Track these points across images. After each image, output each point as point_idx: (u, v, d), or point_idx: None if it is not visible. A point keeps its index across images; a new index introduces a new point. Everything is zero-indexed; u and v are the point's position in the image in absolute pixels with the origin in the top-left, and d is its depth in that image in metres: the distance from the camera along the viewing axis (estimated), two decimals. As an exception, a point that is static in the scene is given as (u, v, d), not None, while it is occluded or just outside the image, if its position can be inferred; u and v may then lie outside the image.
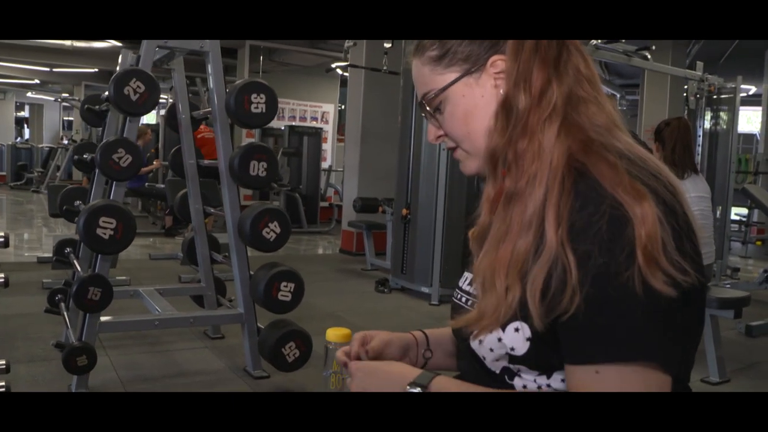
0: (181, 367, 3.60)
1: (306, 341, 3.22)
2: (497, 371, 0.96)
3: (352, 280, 6.42)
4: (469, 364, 1.03)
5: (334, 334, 1.27)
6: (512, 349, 0.92)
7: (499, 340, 0.93)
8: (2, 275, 2.32)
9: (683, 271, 0.82)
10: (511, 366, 0.94)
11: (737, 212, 9.74)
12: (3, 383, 1.87)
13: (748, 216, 9.68)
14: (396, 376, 1.00)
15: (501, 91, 0.97)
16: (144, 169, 8.81)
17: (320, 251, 8.68)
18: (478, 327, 0.95)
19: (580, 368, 0.85)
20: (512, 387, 0.95)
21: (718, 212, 7.02)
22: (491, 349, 0.94)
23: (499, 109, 0.96)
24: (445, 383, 0.97)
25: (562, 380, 0.91)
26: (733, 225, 9.08)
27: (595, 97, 0.97)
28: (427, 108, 1.04)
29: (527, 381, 0.94)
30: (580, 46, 0.99)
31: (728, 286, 5.28)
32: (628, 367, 0.82)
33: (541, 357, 0.91)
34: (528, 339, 0.90)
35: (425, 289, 5.54)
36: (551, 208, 0.87)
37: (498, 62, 0.97)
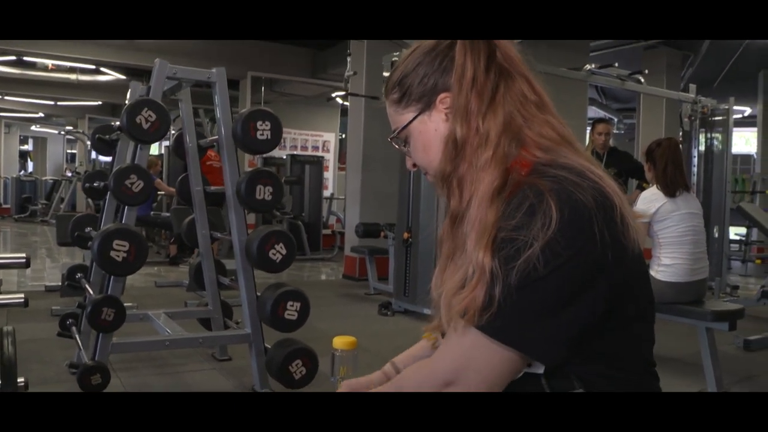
0: (190, 387, 3.68)
1: (312, 359, 3.31)
2: None
3: (355, 304, 6.51)
4: None
5: (340, 341, 1.35)
6: None
7: None
8: (22, 295, 2.42)
9: (550, 264, 0.92)
10: None
11: (737, 232, 9.84)
12: (22, 378, 1.96)
13: (747, 235, 9.78)
14: None
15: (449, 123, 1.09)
16: (163, 185, 8.95)
17: (323, 277, 8.76)
18: (441, 332, 1.10)
19: (456, 320, 0.98)
20: None
21: (716, 231, 7.11)
22: None
23: (445, 139, 1.08)
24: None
25: (528, 365, 1.02)
26: (733, 245, 9.17)
27: (544, 119, 1.07)
28: (397, 142, 1.19)
29: None
30: (527, 73, 1.10)
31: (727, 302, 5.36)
32: (488, 340, 0.95)
33: None
34: None
35: (428, 311, 5.60)
36: (482, 227, 0.98)
37: (446, 99, 1.09)
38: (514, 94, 1.07)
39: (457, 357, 0.99)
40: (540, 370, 1.02)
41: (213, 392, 3.63)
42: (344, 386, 1.22)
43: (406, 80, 1.13)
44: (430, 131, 1.12)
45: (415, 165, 1.20)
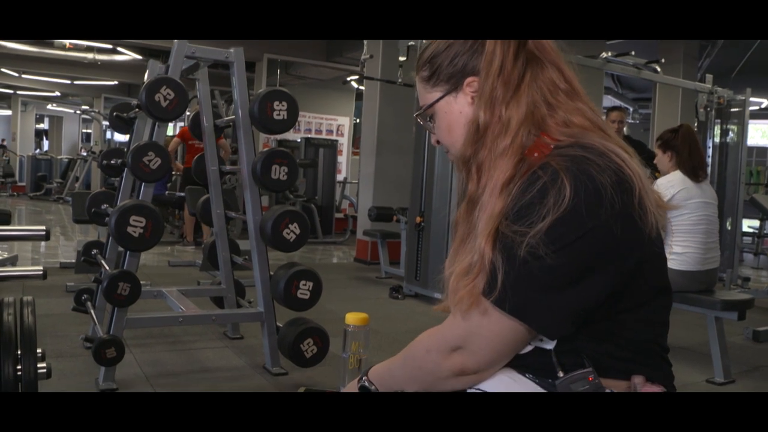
0: (202, 364, 3.74)
1: (323, 338, 3.35)
2: None
3: (366, 288, 6.55)
4: None
5: (353, 317, 1.38)
6: None
7: None
8: (40, 268, 2.46)
9: (556, 243, 0.95)
10: None
11: (750, 224, 9.81)
12: (45, 364, 2.01)
13: (760, 227, 9.74)
14: None
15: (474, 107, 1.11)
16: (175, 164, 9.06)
17: (335, 260, 8.81)
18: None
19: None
20: None
21: (728, 223, 7.09)
22: None
23: (468, 123, 1.11)
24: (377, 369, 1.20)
25: (540, 339, 1.05)
26: (746, 237, 9.14)
27: (574, 106, 1.09)
28: (423, 119, 1.22)
29: None
30: (559, 61, 1.11)
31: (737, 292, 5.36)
32: (497, 311, 0.99)
33: None
34: None
35: (438, 295, 5.66)
36: (488, 217, 1.02)
37: (473, 82, 1.11)
38: (543, 83, 1.08)
39: (465, 324, 1.03)
40: (550, 345, 1.04)
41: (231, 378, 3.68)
42: (372, 374, 1.21)
43: (436, 59, 1.15)
44: (455, 112, 1.15)
45: (438, 142, 1.23)
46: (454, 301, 1.05)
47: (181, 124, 10.15)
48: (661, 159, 3.90)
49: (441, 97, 1.16)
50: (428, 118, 1.21)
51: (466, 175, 1.12)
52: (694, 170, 3.74)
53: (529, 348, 1.05)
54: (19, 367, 1.93)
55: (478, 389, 1.05)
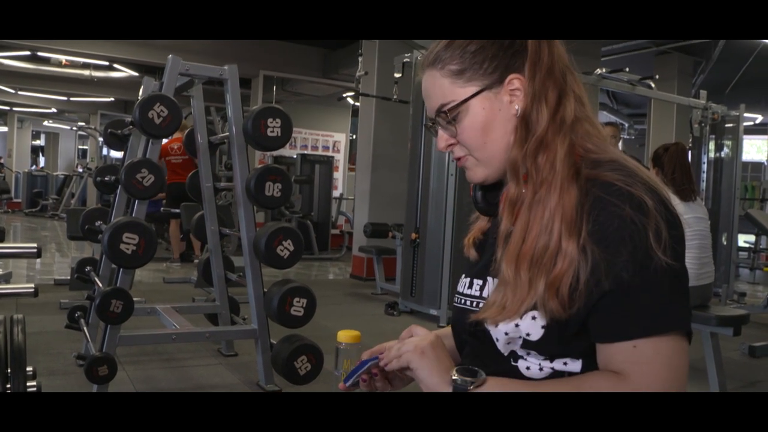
0: (196, 381, 3.71)
1: (317, 355, 3.33)
2: (505, 354, 1.06)
3: (362, 304, 6.53)
4: (479, 346, 1.11)
5: (345, 335, 1.37)
6: (528, 334, 1.02)
7: (516, 326, 1.02)
8: (32, 285, 2.45)
9: (675, 251, 0.97)
10: (521, 350, 1.04)
11: (746, 240, 9.82)
12: (35, 383, 1.99)
13: (756, 243, 9.75)
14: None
15: (516, 107, 1.06)
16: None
17: (331, 276, 8.79)
18: (501, 317, 1.03)
19: (617, 345, 0.97)
20: (516, 368, 1.05)
21: (724, 238, 7.10)
22: (506, 333, 1.04)
23: (519, 123, 1.06)
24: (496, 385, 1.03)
25: (564, 363, 1.02)
26: (741, 253, 9.15)
27: (587, 115, 1.09)
28: (444, 117, 1.11)
29: (531, 363, 1.04)
30: (573, 69, 1.11)
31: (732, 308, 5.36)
32: (662, 338, 0.96)
33: (551, 343, 1.01)
34: (543, 327, 1.01)
35: (434, 311, 5.65)
36: (567, 215, 0.99)
37: (515, 80, 1.06)
38: (573, 88, 1.09)
39: (660, 370, 0.97)
40: (578, 368, 1.03)
41: (225, 392, 3.67)
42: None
43: (470, 53, 1.08)
44: (494, 110, 1.08)
45: (449, 145, 1.14)
46: (537, 292, 1.00)
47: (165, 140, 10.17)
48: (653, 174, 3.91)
49: (477, 93, 1.07)
50: (452, 118, 1.10)
51: (517, 178, 1.05)
52: (680, 190, 3.75)
53: (548, 371, 1.04)
54: (8, 385, 1.92)
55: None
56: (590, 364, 1.01)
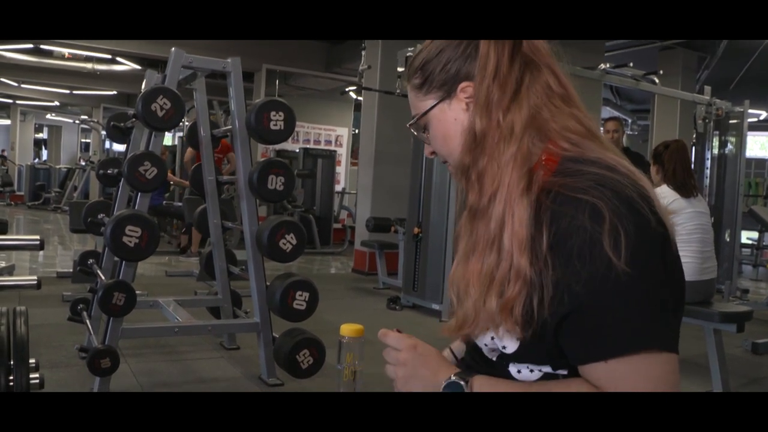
0: (198, 374, 3.72)
1: (319, 349, 3.33)
2: (494, 359, 1.05)
3: (364, 298, 6.53)
4: (470, 353, 1.13)
5: (347, 329, 1.36)
6: (504, 347, 1.01)
7: (492, 338, 1.02)
8: (35, 278, 2.46)
9: (642, 259, 0.88)
10: (504, 359, 1.03)
11: (749, 236, 9.80)
12: (37, 375, 1.99)
13: (759, 239, 9.73)
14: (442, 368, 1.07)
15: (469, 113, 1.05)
16: (175, 178, 9.09)
17: (333, 271, 8.79)
18: (460, 333, 1.04)
19: (589, 366, 0.92)
20: (509, 372, 1.03)
21: (727, 235, 7.08)
22: (485, 345, 1.05)
23: (465, 131, 1.05)
24: (485, 382, 1.02)
25: (552, 368, 0.99)
26: (744, 249, 9.14)
27: (570, 112, 1.03)
28: (416, 129, 1.15)
29: (521, 367, 1.02)
30: (554, 64, 1.06)
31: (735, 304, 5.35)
32: (634, 356, 0.89)
33: (530, 353, 0.99)
34: (518, 339, 0.98)
35: (436, 306, 5.65)
36: (517, 231, 0.94)
37: (467, 88, 1.05)
38: (540, 86, 1.03)
39: (640, 386, 0.91)
40: (566, 373, 1.00)
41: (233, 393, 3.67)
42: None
43: (428, 66, 1.09)
44: (449, 120, 1.08)
45: (433, 152, 1.17)
46: (487, 317, 0.98)
47: (180, 134, 10.17)
48: (651, 170, 3.91)
49: (434, 105, 1.09)
50: (422, 129, 1.14)
51: (466, 185, 1.05)
52: (680, 186, 3.74)
53: (538, 374, 1.01)
54: (11, 377, 1.92)
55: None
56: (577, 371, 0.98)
